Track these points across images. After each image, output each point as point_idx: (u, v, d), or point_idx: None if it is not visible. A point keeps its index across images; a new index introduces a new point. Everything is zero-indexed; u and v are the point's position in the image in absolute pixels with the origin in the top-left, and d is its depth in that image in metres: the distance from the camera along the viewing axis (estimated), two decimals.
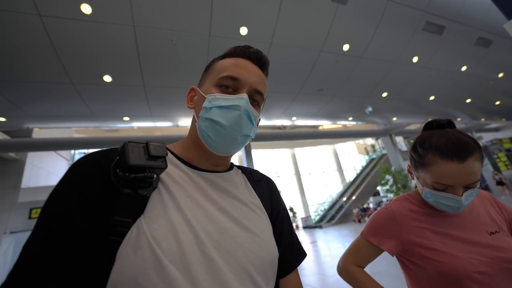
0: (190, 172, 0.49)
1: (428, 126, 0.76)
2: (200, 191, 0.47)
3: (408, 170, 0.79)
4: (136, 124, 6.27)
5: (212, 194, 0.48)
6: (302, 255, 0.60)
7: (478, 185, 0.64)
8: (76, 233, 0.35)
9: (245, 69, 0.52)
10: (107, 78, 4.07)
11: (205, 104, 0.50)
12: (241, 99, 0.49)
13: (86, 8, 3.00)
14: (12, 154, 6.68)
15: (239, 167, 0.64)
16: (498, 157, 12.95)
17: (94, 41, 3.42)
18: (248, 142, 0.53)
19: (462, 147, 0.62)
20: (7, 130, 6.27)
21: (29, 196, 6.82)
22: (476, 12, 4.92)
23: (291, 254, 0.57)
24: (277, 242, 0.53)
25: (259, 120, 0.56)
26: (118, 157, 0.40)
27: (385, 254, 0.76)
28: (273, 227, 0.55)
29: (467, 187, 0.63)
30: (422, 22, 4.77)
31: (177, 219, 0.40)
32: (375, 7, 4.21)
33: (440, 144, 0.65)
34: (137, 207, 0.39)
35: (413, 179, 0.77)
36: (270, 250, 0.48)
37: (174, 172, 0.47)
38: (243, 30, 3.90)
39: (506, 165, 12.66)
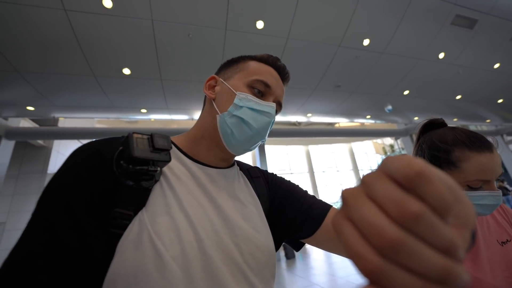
0: (192, 166, 0.49)
1: (429, 127, 0.71)
2: (201, 187, 0.47)
3: None
4: (153, 116, 6.45)
5: (212, 191, 0.48)
6: (327, 205, 0.56)
7: None
8: (76, 226, 0.35)
9: (276, 80, 0.55)
10: (126, 71, 4.20)
11: (236, 101, 0.49)
12: (272, 107, 0.51)
13: (107, 3, 3.10)
14: (40, 141, 7.15)
15: (238, 163, 0.64)
16: None
17: (114, 35, 3.54)
18: (256, 147, 0.54)
19: (483, 138, 0.59)
20: (36, 119, 6.71)
21: None
22: None
23: (314, 209, 0.54)
24: (292, 212, 0.54)
25: None
26: (121, 148, 0.40)
27: None
28: (278, 209, 0.56)
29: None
30: (452, 15, 4.44)
31: (179, 215, 0.40)
32: None
33: (463, 138, 0.60)
34: (139, 200, 0.39)
35: None
36: (266, 250, 0.48)
37: (175, 166, 0.47)
38: (260, 24, 3.85)
39: None
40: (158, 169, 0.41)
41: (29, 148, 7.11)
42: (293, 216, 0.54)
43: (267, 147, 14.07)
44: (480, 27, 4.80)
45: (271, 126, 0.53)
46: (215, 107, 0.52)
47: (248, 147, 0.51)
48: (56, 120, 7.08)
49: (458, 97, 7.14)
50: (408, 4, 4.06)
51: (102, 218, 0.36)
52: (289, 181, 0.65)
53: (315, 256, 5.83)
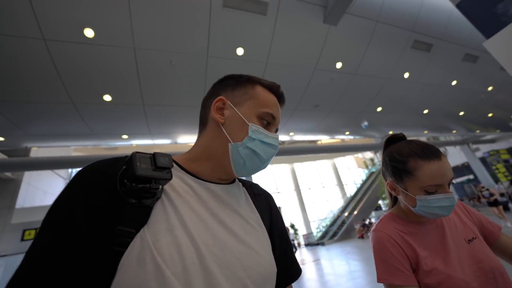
0: (193, 183, 0.50)
1: (390, 141, 0.80)
2: (202, 203, 0.48)
3: (391, 187, 0.76)
4: (135, 142, 6.31)
5: (213, 207, 0.48)
6: (297, 271, 0.59)
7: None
8: (79, 239, 0.36)
9: (278, 111, 0.58)
10: (107, 98, 4.16)
11: (250, 133, 0.52)
12: (277, 139, 0.55)
13: (89, 32, 3.15)
14: (8, 174, 6.63)
15: (240, 180, 0.64)
16: (497, 168, 12.96)
17: (95, 63, 3.55)
18: None
19: (433, 148, 0.68)
20: (4, 150, 6.27)
21: (23, 217, 6.66)
22: (461, 31, 5.19)
23: (286, 271, 0.57)
24: (275, 257, 0.53)
25: None
26: (125, 167, 0.41)
27: None
28: (273, 241, 0.56)
29: (448, 184, 0.66)
30: (411, 41, 5.01)
31: (180, 231, 0.41)
32: (365, 27, 4.44)
33: (416, 150, 0.69)
34: (141, 217, 0.40)
35: (398, 194, 0.75)
36: (269, 265, 0.48)
37: (177, 184, 0.48)
38: (240, 51, 4.06)
39: (505, 176, 12.62)
40: (160, 186, 0.42)
41: None
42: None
43: None
44: (436, 50, 5.43)
45: None
46: (226, 133, 0.52)
47: (253, 173, 0.55)
48: (28, 150, 6.66)
49: (426, 111, 7.78)
50: (373, 31, 4.53)
51: (105, 236, 0.37)
52: (283, 220, 0.66)
53: (309, 276, 5.69)
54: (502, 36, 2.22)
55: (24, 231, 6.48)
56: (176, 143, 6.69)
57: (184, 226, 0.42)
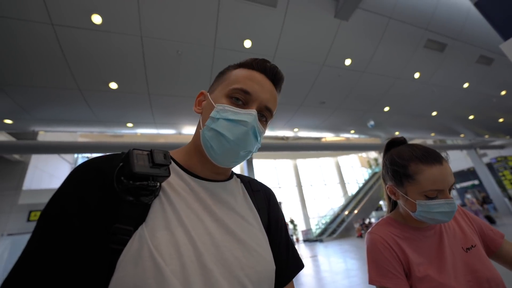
0: (191, 181, 0.49)
1: (391, 145, 0.79)
2: (200, 201, 0.47)
3: (391, 191, 0.75)
4: (140, 131, 6.35)
5: (211, 205, 0.48)
6: (298, 266, 0.58)
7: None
8: (72, 236, 0.35)
9: (258, 84, 0.51)
10: (113, 85, 4.18)
11: (213, 114, 0.49)
12: (250, 115, 0.48)
13: (96, 19, 3.14)
14: (16, 156, 6.78)
15: (238, 175, 0.63)
16: (504, 175, 12.71)
17: (102, 50, 3.55)
18: (249, 157, 0.52)
19: (434, 153, 0.67)
20: (13, 132, 6.40)
21: (29, 198, 6.84)
22: (478, 31, 5.00)
23: (287, 266, 0.56)
24: (274, 253, 0.52)
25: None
26: (121, 164, 0.40)
27: None
28: (270, 238, 0.54)
29: (449, 189, 0.65)
30: (424, 40, 4.85)
31: (178, 229, 0.40)
32: (377, 24, 4.31)
33: (417, 154, 0.68)
34: (139, 215, 0.39)
35: (398, 199, 0.74)
36: (267, 263, 0.48)
37: (175, 181, 0.47)
38: (247, 43, 4.01)
39: (511, 183, 12.40)
40: (158, 184, 0.41)
41: (3, 163, 6.71)
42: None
43: (255, 161, 14.08)
44: (449, 51, 5.26)
45: (258, 134, 0.50)
46: (200, 122, 0.53)
47: (232, 159, 0.49)
48: (35, 134, 6.78)
49: (434, 113, 7.61)
50: (385, 28, 4.40)
51: (102, 234, 0.36)
52: (283, 215, 0.64)
53: (305, 271, 5.74)
54: None
55: (30, 212, 6.68)
56: (180, 133, 6.72)
57: (182, 224, 0.42)
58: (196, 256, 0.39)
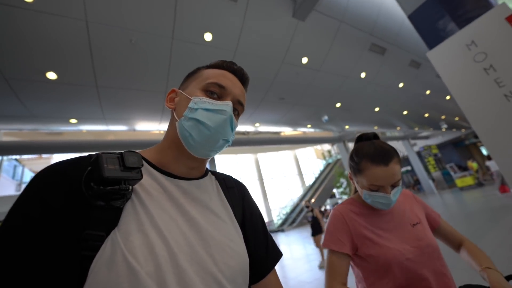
0: (164, 180, 0.49)
1: (359, 139, 0.92)
2: (173, 201, 0.47)
3: (350, 177, 0.92)
4: (86, 127, 5.67)
5: (184, 203, 0.48)
6: (277, 255, 0.62)
7: (400, 184, 0.80)
8: (35, 243, 0.33)
9: (231, 81, 0.55)
10: (52, 75, 3.62)
11: (191, 104, 0.50)
12: (227, 105, 0.51)
13: None
14: None
15: (213, 172, 0.64)
16: (429, 161, 15.27)
17: (36, 34, 3.03)
18: (225, 148, 0.54)
19: (386, 154, 0.79)
20: None
21: None
22: (409, 39, 5.82)
23: (266, 256, 0.59)
24: (252, 246, 0.55)
25: None
26: (90, 168, 0.39)
27: None
28: (246, 232, 0.57)
29: (393, 186, 0.79)
30: (369, 43, 5.44)
31: (151, 231, 0.40)
32: (330, 26, 4.66)
33: (369, 152, 0.81)
34: (111, 220, 0.38)
35: (354, 184, 0.91)
36: (240, 257, 0.49)
37: (147, 182, 0.46)
38: (208, 36, 3.90)
39: (434, 167, 15.02)
40: (130, 187, 0.40)
41: None
42: (251, 253, 0.55)
43: (217, 157, 13.89)
44: (388, 54, 6.02)
45: (233, 125, 0.53)
46: (175, 116, 0.53)
47: (210, 147, 0.51)
48: None
49: (377, 109, 8.64)
50: (337, 31, 4.79)
51: (71, 241, 0.35)
52: (258, 209, 0.66)
53: None
54: (440, 49, 2.58)
55: None
56: (134, 130, 6.22)
57: (155, 225, 0.42)
58: (170, 256, 0.39)
